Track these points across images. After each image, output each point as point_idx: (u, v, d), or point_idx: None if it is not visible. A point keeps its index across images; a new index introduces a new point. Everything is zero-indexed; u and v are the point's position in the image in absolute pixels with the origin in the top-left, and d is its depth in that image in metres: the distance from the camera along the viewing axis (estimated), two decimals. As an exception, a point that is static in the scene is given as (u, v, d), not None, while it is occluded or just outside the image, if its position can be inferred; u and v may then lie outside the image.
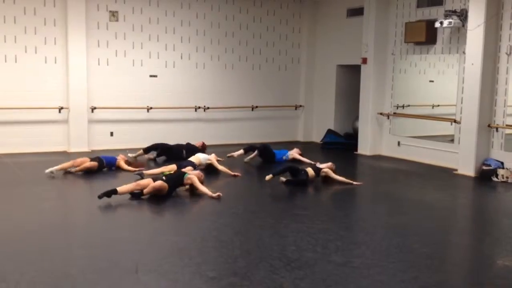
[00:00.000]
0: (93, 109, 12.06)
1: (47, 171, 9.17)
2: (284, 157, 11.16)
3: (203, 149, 11.40)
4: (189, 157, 10.23)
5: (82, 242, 6.14)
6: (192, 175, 8.18)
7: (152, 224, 7.07)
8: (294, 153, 11.24)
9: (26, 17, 11.39)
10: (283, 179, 8.95)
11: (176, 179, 8.16)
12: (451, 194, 9.12)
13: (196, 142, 11.63)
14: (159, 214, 7.44)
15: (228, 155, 10.97)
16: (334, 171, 9.33)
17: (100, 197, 7.47)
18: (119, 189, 7.63)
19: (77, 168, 9.49)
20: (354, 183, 9.12)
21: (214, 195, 7.94)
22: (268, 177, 8.77)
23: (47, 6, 11.56)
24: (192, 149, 11.08)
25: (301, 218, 7.13)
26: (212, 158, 10.05)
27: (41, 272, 5.06)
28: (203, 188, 8.09)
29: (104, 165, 9.76)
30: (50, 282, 4.85)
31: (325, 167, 9.34)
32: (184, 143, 11.51)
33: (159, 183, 7.82)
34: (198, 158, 9.97)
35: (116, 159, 9.93)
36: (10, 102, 11.31)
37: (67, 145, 11.85)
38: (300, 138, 14.52)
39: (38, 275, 4.99)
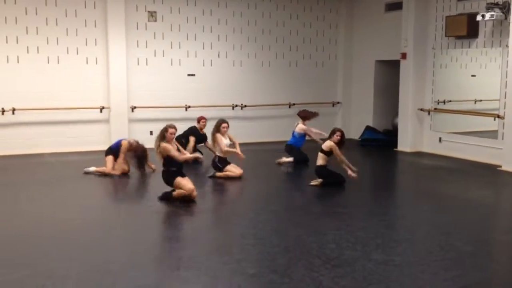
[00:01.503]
0: (133, 108, 12.26)
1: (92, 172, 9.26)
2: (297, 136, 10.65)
3: (202, 127, 10.98)
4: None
5: (123, 239, 6.24)
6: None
7: (191, 221, 7.14)
8: (309, 130, 10.59)
9: (67, 19, 11.65)
10: (315, 183, 8.70)
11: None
12: (495, 191, 8.90)
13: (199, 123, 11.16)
14: (198, 212, 7.50)
15: (278, 161, 10.50)
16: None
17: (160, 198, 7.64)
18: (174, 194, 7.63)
19: (117, 172, 9.47)
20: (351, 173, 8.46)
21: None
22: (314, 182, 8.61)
23: (87, 8, 11.80)
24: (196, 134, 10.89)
25: (340, 215, 7.08)
26: (234, 139, 9.55)
27: (85, 269, 5.17)
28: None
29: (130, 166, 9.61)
30: (94, 278, 4.95)
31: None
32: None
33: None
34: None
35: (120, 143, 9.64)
36: (53, 103, 11.61)
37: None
38: (338, 135, 14.39)
39: (83, 271, 5.11)
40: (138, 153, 9.23)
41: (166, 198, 7.60)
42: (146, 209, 7.44)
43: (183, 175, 7.66)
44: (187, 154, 8.00)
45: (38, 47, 11.48)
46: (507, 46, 10.09)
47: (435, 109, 12.00)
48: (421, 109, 12.13)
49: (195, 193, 7.58)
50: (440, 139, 11.87)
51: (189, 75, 12.81)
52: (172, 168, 7.59)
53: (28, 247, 5.81)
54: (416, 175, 10.22)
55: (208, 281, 4.89)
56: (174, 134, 7.66)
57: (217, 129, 9.33)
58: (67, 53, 11.74)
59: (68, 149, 11.75)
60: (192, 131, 11.06)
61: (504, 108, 10.21)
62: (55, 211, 7.30)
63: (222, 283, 4.86)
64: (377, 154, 12.27)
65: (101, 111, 12.04)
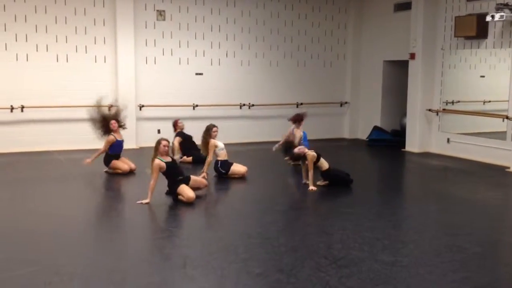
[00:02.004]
0: (141, 107, 12.29)
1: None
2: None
3: (183, 128, 10.71)
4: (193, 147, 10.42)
5: (130, 237, 6.26)
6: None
7: (198, 220, 7.15)
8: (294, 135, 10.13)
9: (76, 17, 11.70)
10: (322, 183, 8.64)
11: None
12: (503, 193, 8.83)
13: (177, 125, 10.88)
14: (204, 210, 7.51)
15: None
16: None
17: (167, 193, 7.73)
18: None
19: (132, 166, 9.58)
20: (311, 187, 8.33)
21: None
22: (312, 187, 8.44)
23: (96, 6, 11.85)
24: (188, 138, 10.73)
25: (347, 216, 7.06)
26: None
27: (93, 266, 5.19)
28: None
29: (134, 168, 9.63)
30: (102, 275, 4.97)
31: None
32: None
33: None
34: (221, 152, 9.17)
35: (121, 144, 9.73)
36: (61, 101, 11.66)
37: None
38: (346, 135, 14.37)
39: (90, 268, 5.13)
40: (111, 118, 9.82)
41: (172, 193, 7.65)
42: (152, 208, 7.45)
43: (188, 182, 7.68)
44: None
45: (47, 45, 11.54)
46: (516, 47, 10.04)
47: (443, 109, 11.95)
48: (430, 110, 12.07)
49: (193, 199, 7.44)
50: (448, 140, 11.82)
51: (197, 74, 12.83)
52: (179, 178, 7.63)
53: (35, 244, 5.85)
54: (424, 176, 10.18)
55: (214, 280, 4.89)
56: (167, 146, 7.63)
57: (208, 134, 9.08)
58: (76, 51, 11.79)
59: (76, 147, 11.77)
60: (180, 135, 10.70)
61: (513, 109, 10.16)
62: (62, 208, 7.32)
63: (228, 282, 4.86)
64: (385, 154, 12.23)
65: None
